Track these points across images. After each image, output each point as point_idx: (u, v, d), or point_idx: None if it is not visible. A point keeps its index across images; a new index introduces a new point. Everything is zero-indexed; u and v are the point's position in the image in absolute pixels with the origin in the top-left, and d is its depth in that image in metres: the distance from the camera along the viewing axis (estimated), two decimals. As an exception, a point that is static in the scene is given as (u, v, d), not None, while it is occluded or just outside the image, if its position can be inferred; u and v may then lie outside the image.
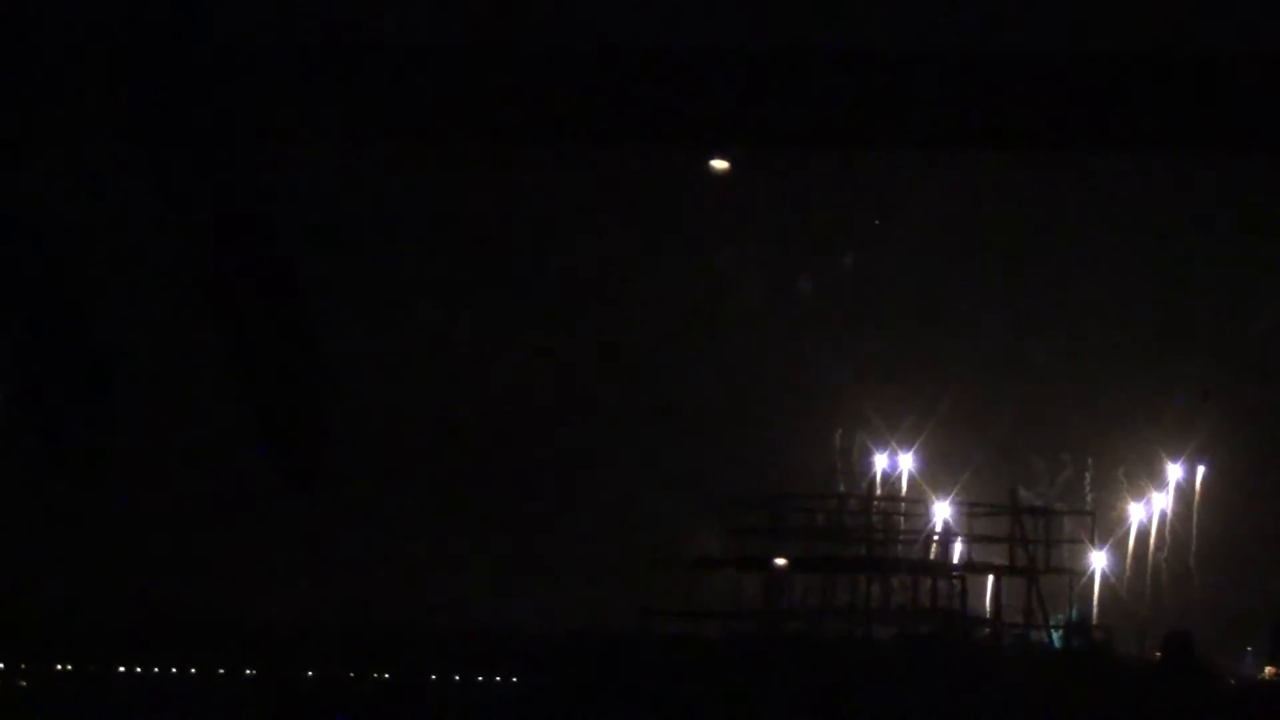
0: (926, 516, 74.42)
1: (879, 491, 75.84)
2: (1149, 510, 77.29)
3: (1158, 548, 77.07)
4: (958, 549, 73.86)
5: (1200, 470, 76.99)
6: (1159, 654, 69.37)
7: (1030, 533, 72.65)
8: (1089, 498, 76.26)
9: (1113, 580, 76.06)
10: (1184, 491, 77.33)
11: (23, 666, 67.24)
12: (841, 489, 75.75)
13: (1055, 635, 71.35)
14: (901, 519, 74.89)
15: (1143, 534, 77.46)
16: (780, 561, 70.42)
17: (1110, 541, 76.75)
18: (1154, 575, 77.13)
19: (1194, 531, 76.99)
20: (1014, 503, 74.16)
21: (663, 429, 74.73)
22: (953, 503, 75.62)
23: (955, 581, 71.51)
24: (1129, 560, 77.26)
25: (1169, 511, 77.20)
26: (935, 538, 73.70)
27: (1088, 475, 75.77)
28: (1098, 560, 75.38)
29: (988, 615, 72.03)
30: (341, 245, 66.43)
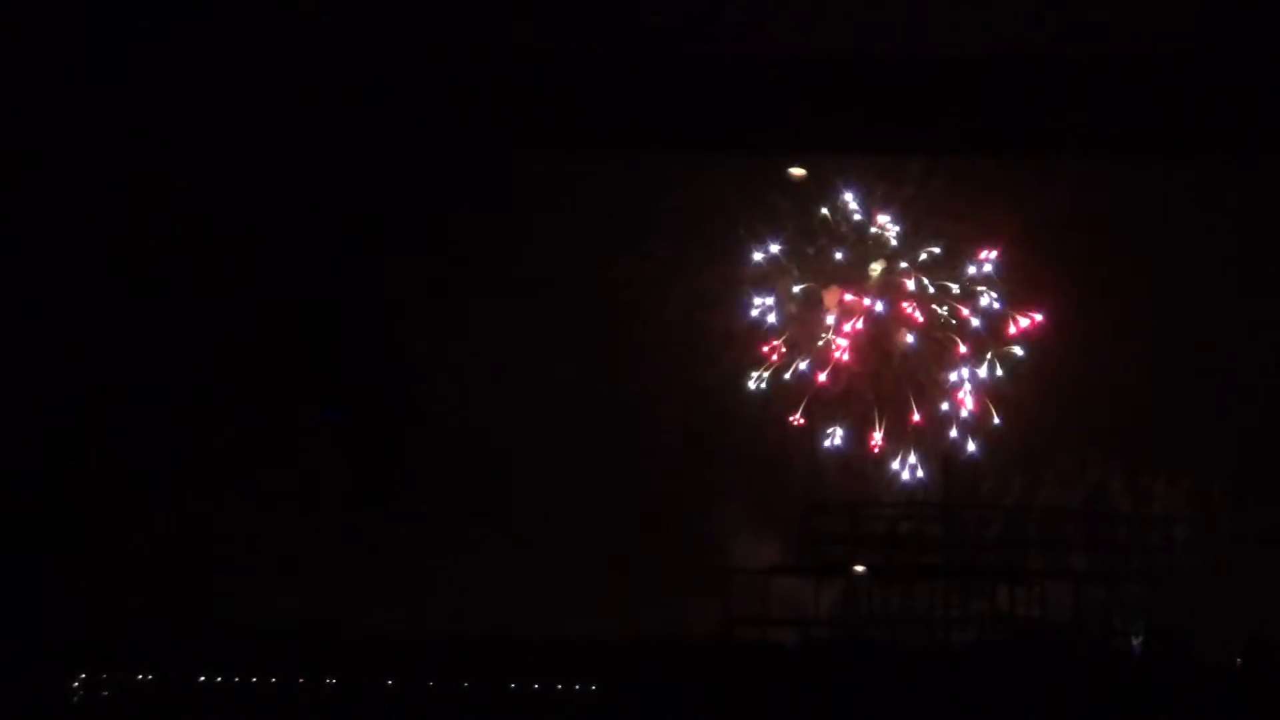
0: (1005, 522, 74.07)
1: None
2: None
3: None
4: (1036, 554, 73.42)
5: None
6: (1240, 661, 68.65)
7: (1112, 537, 72.31)
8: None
9: (1195, 585, 75.67)
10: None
11: (104, 676, 67.67)
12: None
13: (1135, 642, 70.79)
14: (980, 525, 74.53)
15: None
16: (859, 569, 70.23)
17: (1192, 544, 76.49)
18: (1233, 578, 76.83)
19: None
20: (1095, 507, 73.72)
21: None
22: (1032, 507, 75.28)
23: (1034, 588, 71.06)
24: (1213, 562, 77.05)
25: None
26: (1013, 543, 73.30)
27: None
28: (1179, 565, 74.90)
29: (1066, 622, 71.48)
30: (417, 257, 66.79)
